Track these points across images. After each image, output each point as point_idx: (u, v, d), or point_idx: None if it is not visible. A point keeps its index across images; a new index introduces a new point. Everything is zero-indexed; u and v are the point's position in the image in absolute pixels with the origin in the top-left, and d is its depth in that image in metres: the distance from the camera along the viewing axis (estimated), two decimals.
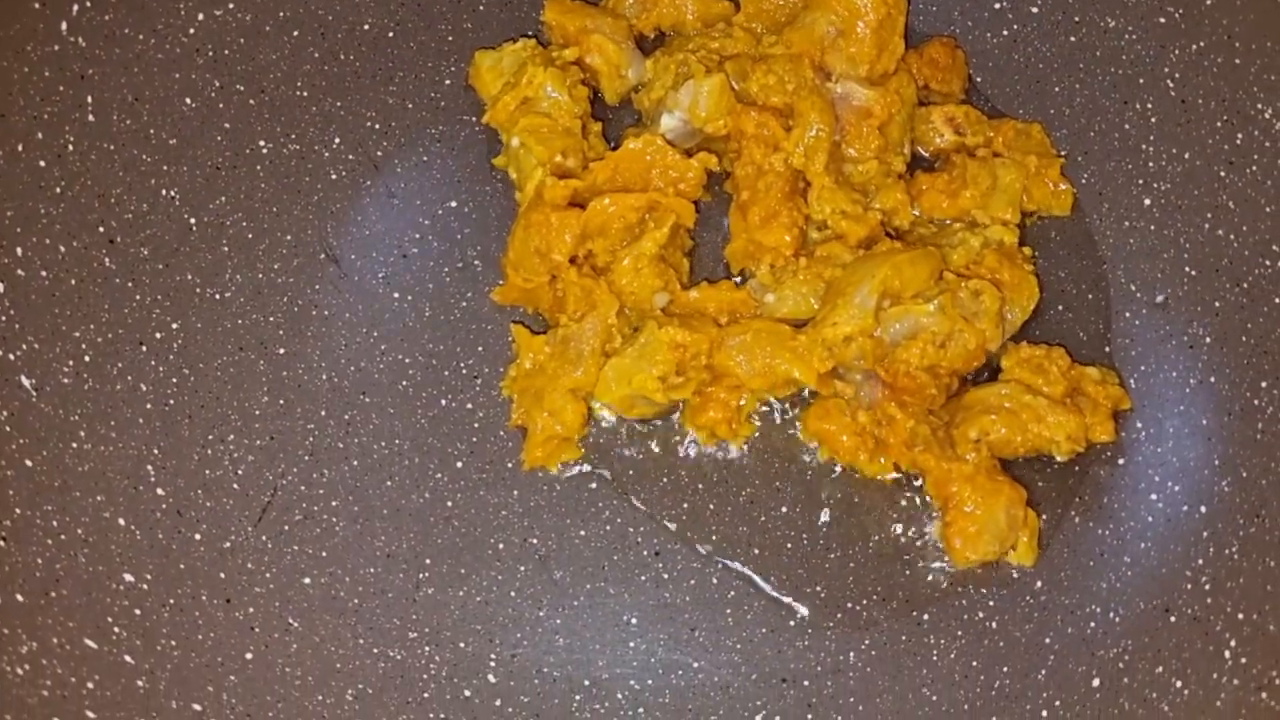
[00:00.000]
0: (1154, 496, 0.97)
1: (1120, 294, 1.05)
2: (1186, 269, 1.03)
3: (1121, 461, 0.99)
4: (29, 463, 0.92)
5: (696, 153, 1.04)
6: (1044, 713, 0.91)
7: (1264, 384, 0.97)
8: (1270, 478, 0.93)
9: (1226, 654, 0.88)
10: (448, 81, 1.13)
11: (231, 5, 1.10)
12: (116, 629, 0.89)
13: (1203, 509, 0.95)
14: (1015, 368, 0.99)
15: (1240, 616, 0.89)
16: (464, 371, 1.04)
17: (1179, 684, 0.88)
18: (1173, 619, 0.92)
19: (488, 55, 1.09)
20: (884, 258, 0.96)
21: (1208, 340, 1.00)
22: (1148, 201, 1.06)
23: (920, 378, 0.95)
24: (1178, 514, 0.96)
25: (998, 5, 1.13)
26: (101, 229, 1.02)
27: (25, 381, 0.94)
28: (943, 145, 1.08)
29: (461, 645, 0.96)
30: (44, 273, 0.98)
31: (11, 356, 0.94)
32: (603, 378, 0.97)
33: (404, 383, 1.04)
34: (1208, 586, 0.92)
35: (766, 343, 0.97)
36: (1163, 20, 1.06)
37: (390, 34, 1.14)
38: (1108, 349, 1.04)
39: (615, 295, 0.99)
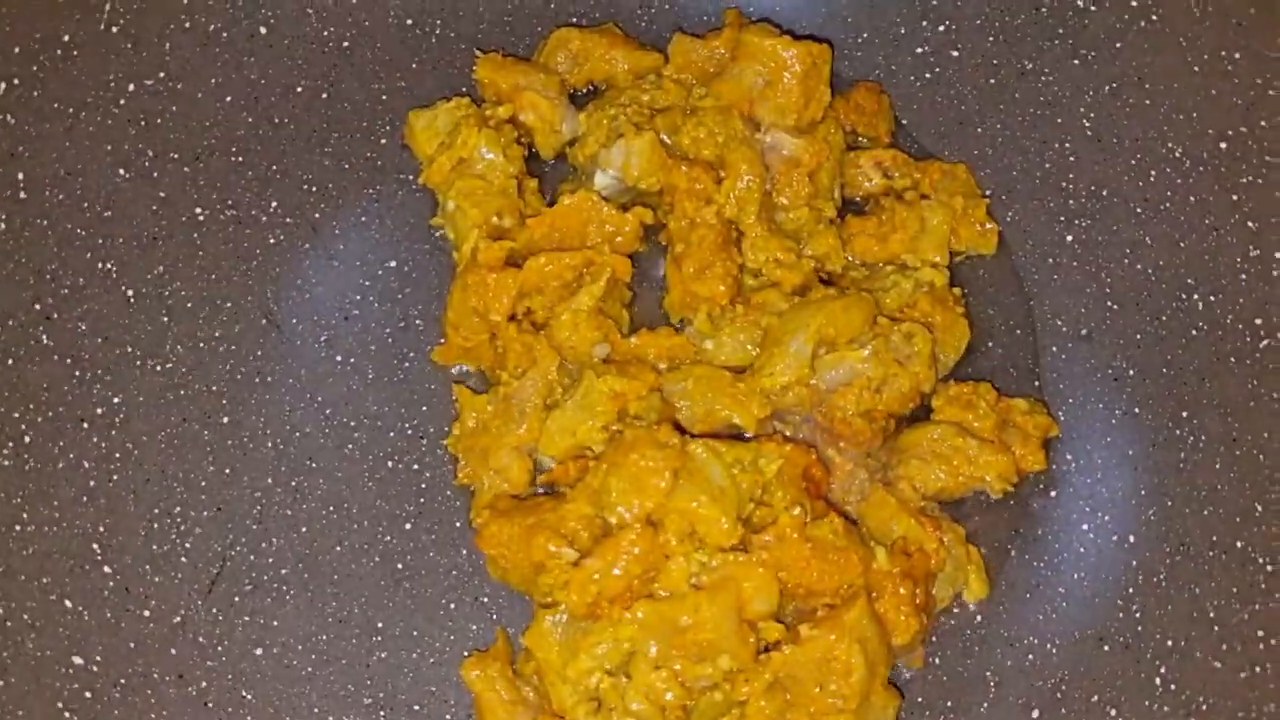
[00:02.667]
0: (1085, 527, 1.01)
1: (1046, 328, 1.08)
2: (1109, 303, 1.07)
3: (1054, 494, 1.03)
4: None
5: (631, 206, 1.06)
6: None
7: (1184, 414, 1.00)
8: (1193, 506, 0.97)
9: (1158, 681, 0.91)
10: (384, 141, 1.14)
11: (162, 74, 1.10)
12: (67, 713, 0.89)
13: (1131, 539, 0.99)
14: (945, 406, 1.02)
15: (1169, 644, 0.92)
16: (409, 432, 1.05)
17: (1113, 712, 0.91)
18: (1106, 648, 0.95)
19: (421, 115, 1.10)
20: (818, 306, 0.99)
21: (1131, 373, 1.04)
22: (1069, 238, 1.09)
23: (856, 423, 0.97)
24: (1108, 544, 0.99)
25: (919, 50, 1.16)
26: (38, 306, 1.02)
27: None
28: (872, 189, 1.11)
29: (417, 708, 0.97)
30: None
31: None
32: (546, 431, 0.98)
33: (349, 446, 1.04)
34: (1138, 615, 0.95)
35: (707, 388, 0.99)
36: (1077, 63, 1.09)
37: (324, 95, 1.15)
38: (1037, 383, 1.07)
39: (555, 349, 1.01)
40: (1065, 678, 0.95)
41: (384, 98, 1.15)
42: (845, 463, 1.00)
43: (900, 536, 0.95)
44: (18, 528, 0.95)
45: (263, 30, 1.14)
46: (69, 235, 1.05)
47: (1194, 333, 1.02)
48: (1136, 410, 1.03)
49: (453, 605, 1.00)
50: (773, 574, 0.89)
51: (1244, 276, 0.99)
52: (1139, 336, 1.05)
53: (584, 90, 1.15)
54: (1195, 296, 1.02)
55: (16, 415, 0.98)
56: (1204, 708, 0.88)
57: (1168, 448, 1.00)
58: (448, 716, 0.96)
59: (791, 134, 1.06)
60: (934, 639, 0.99)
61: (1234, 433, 0.97)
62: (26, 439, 0.98)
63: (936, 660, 0.98)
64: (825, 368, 0.98)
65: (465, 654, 0.98)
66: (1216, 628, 0.91)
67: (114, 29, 1.07)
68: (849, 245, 1.08)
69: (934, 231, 1.07)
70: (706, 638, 0.87)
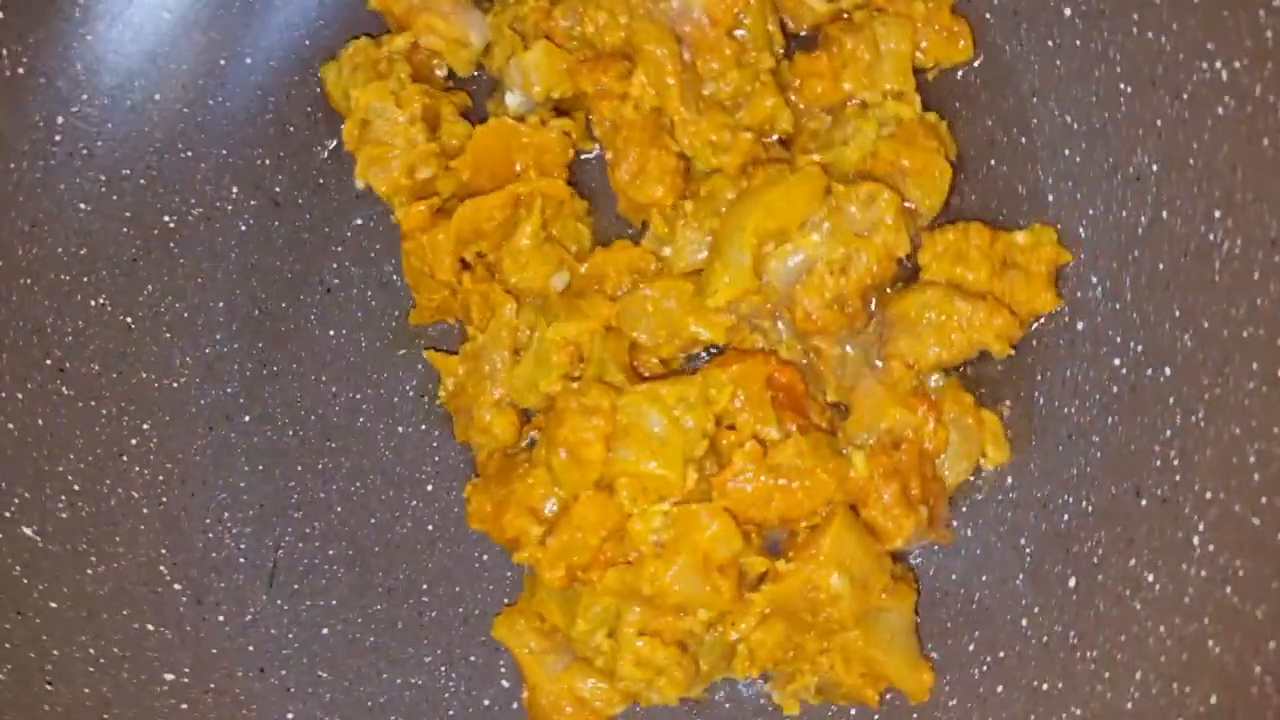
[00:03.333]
0: (1117, 361, 0.89)
1: (1055, 128, 0.93)
2: (1121, 85, 0.89)
3: (1081, 325, 0.91)
4: (54, 604, 1.02)
5: (555, 115, 0.97)
6: (1023, 621, 0.89)
7: (1217, 214, 0.84)
8: (1231, 326, 0.83)
9: (1195, 541, 0.82)
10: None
11: (84, 96, 1.09)
12: None
13: (1167, 370, 0.87)
14: (933, 263, 0.91)
15: (1208, 496, 0.82)
16: (411, 395, 1.06)
17: (1150, 578, 0.83)
18: (1143, 502, 0.86)
19: (330, 68, 1.04)
20: (754, 199, 0.88)
21: (1154, 168, 0.88)
22: (1068, 12, 0.91)
23: (825, 315, 0.89)
24: (1142, 379, 0.88)
25: None
26: (49, 361, 1.08)
27: (27, 531, 1.04)
28: (820, 12, 0.96)
29: (472, 659, 1.02)
30: (10, 425, 1.05)
31: (8, 514, 1.03)
32: (514, 389, 0.96)
33: (360, 420, 1.07)
34: (1176, 462, 0.85)
35: (669, 311, 0.93)
36: None
37: (253, 63, 1.10)
38: (1050, 197, 0.93)
39: (511, 291, 0.96)
40: (1102, 540, 0.87)
41: (306, 43, 1.09)
42: (832, 347, 0.92)
43: (886, 429, 0.88)
44: (89, 571, 1.04)
45: (167, 14, 1.09)
46: (55, 284, 1.09)
47: (1220, 111, 0.84)
48: (1164, 215, 0.88)
49: (485, 555, 1.03)
50: (727, 518, 0.85)
51: (1269, 35, 0.80)
52: (1159, 123, 0.88)
53: None
54: (1218, 64, 0.83)
55: (61, 468, 1.06)
56: (1240, 574, 0.78)
57: (1201, 257, 0.85)
58: (502, 663, 1.01)
59: None
60: (963, 509, 0.93)
61: (1273, 233, 0.81)
62: (76, 487, 1.06)
63: (968, 532, 0.92)
64: (777, 262, 0.89)
65: (505, 600, 1.02)
66: (1256, 475, 0.79)
67: (19, 70, 1.06)
68: (799, 92, 0.94)
69: (892, 55, 0.92)
70: (675, 599, 0.86)
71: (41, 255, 1.08)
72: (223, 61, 1.10)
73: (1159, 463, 0.86)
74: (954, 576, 0.92)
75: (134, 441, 1.09)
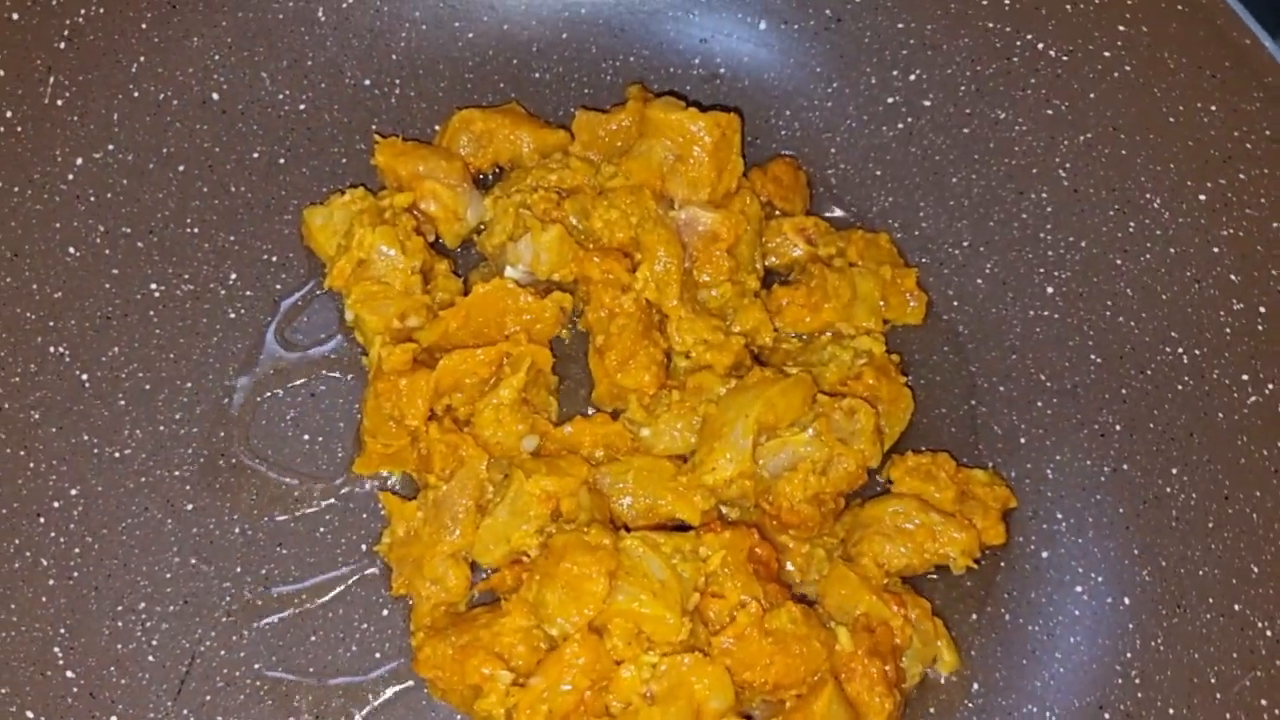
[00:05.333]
0: (1079, 589, 0.99)
1: (1031, 383, 1.07)
2: (1092, 356, 1.05)
3: (1045, 554, 1.01)
4: None
5: (550, 291, 1.02)
6: None
7: (1174, 470, 0.99)
8: (1188, 566, 0.96)
9: None
10: None
11: (111, 146, 1.06)
12: None
13: (1126, 600, 0.97)
14: (904, 478, 1.00)
15: (1171, 711, 0.91)
16: (382, 511, 1.01)
17: None
18: (1107, 716, 0.93)
19: (317, 213, 1.05)
20: (756, 392, 0.95)
21: (1118, 428, 1.03)
22: (1050, 290, 1.08)
23: (804, 510, 0.95)
24: (1103, 605, 0.98)
25: (891, 100, 1.14)
26: None
27: None
28: (797, 256, 1.09)
29: None
30: None
31: None
32: (479, 541, 0.94)
33: (320, 529, 1.00)
34: (1138, 681, 0.94)
35: (648, 483, 0.96)
36: (1050, 112, 1.08)
37: (281, 160, 1.11)
38: (1022, 440, 1.05)
39: (482, 447, 0.97)
40: None
41: (344, 162, 1.12)
42: (801, 544, 0.98)
43: (862, 614, 0.93)
44: None
45: (215, 96, 1.10)
46: (17, 319, 1.00)
47: (1180, 387, 1.00)
48: (1125, 466, 1.01)
49: (424, 702, 0.96)
50: (722, 670, 0.86)
51: (1228, 331, 0.98)
52: (1124, 391, 1.03)
53: (490, 172, 1.11)
54: (1180, 350, 1.01)
55: None
56: None
57: (1159, 505, 0.99)
58: None
59: (706, 208, 1.03)
60: (930, 710, 0.97)
61: (1225, 490, 0.96)
62: None
63: None
64: (768, 454, 0.95)
65: None
66: (1218, 695, 0.89)
67: (59, 102, 1.03)
68: (779, 316, 1.05)
69: (866, 298, 1.06)
70: None
71: (14, 287, 1.01)
72: (255, 154, 1.11)
73: (1120, 680, 0.94)
74: None
75: (57, 504, 0.98)
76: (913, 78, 1.13)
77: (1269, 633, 0.90)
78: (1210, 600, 0.93)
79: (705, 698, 0.86)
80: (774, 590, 0.92)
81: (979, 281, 1.10)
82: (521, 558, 0.94)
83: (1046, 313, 1.08)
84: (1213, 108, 0.99)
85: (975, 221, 1.11)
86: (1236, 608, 0.92)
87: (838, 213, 1.14)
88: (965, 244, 1.11)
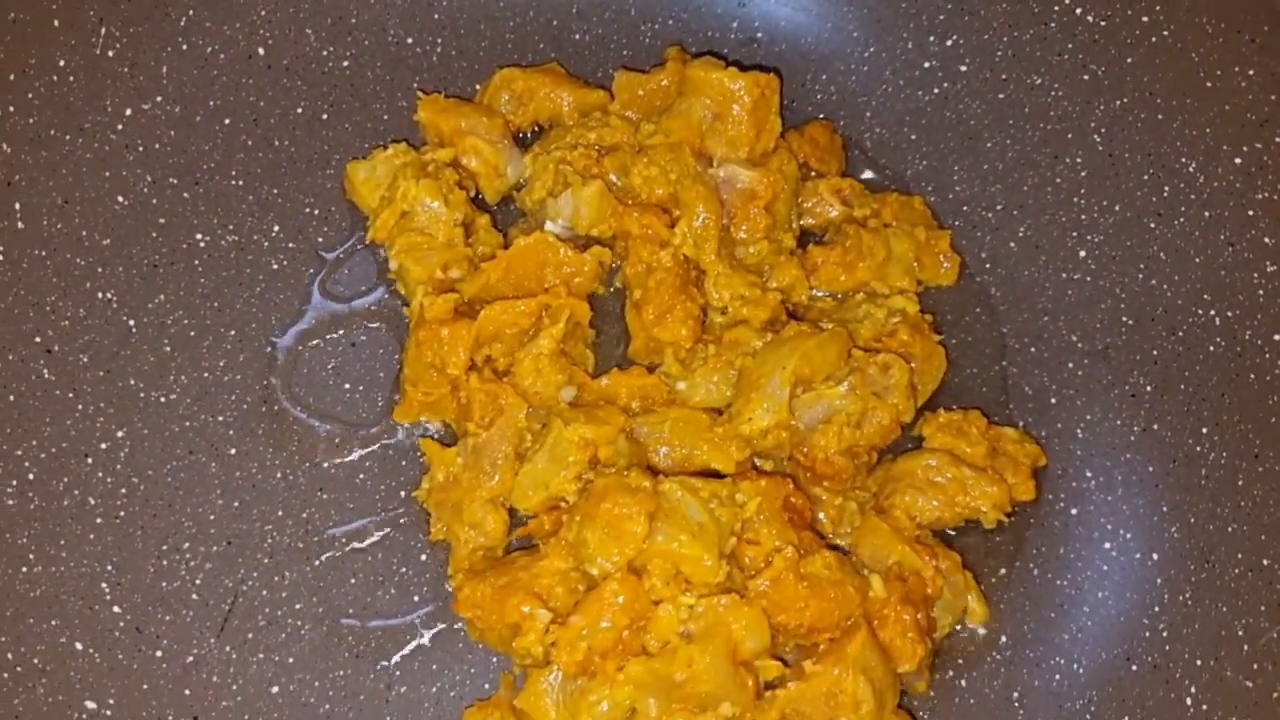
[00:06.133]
0: (1108, 545, 1.00)
1: (1062, 344, 1.08)
2: (1124, 318, 1.06)
3: (1074, 511, 1.02)
4: None
5: (588, 246, 1.04)
6: None
7: (1204, 430, 1.00)
8: (1216, 523, 0.97)
9: (1188, 701, 0.91)
10: None
11: (159, 98, 1.08)
12: None
13: (1155, 556, 0.98)
14: (936, 434, 1.01)
15: (1198, 663, 0.92)
16: (421, 459, 1.03)
17: None
18: (1134, 668, 0.95)
19: (360, 166, 1.07)
20: (793, 345, 0.97)
21: (1148, 389, 1.04)
22: (1083, 253, 1.09)
23: (838, 461, 0.96)
24: (1131, 561, 0.99)
25: (927, 64, 1.15)
26: (38, 339, 0.99)
27: None
28: (833, 218, 1.10)
29: None
30: None
31: None
32: (518, 486, 0.95)
33: (360, 476, 1.02)
34: (1165, 634, 0.95)
35: (684, 433, 0.97)
36: (1086, 78, 1.09)
37: (324, 116, 1.13)
38: (1053, 400, 1.06)
39: (521, 396, 0.98)
40: (1094, 699, 0.95)
41: (385, 118, 1.13)
42: (834, 497, 0.99)
43: (895, 563, 0.94)
44: (24, 569, 0.92)
45: (260, 51, 1.11)
46: (67, 265, 1.02)
47: (1211, 348, 1.01)
48: (1155, 426, 1.02)
49: (462, 645, 0.97)
50: (759, 611, 0.88)
51: (1261, 293, 0.99)
52: (1156, 352, 1.04)
53: (530, 131, 1.12)
54: (1212, 312, 1.02)
55: (20, 452, 0.95)
56: None
57: (1189, 464, 1.00)
58: None
59: (745, 166, 1.04)
60: (959, 660, 0.98)
61: (1255, 449, 0.97)
62: (30, 476, 0.95)
63: (963, 683, 0.97)
64: (803, 407, 0.96)
65: (485, 687, 0.96)
66: (1246, 647, 0.91)
67: (110, 53, 1.05)
68: (814, 275, 1.06)
69: (900, 258, 1.07)
70: (704, 688, 0.86)
71: (65, 233, 1.03)
72: (299, 109, 1.12)
73: (1148, 634, 0.95)
74: None
75: (104, 446, 0.99)
76: (949, 43, 1.14)
77: None
78: (1239, 555, 0.94)
79: (741, 638, 0.87)
80: (808, 538, 0.94)
81: (1012, 244, 1.11)
82: (559, 504, 0.96)
83: (1079, 275, 1.09)
84: (1250, 72, 1.00)
85: (1009, 185, 1.12)
86: (1265, 562, 0.93)
87: (873, 175, 1.15)
88: (999, 207, 1.12)
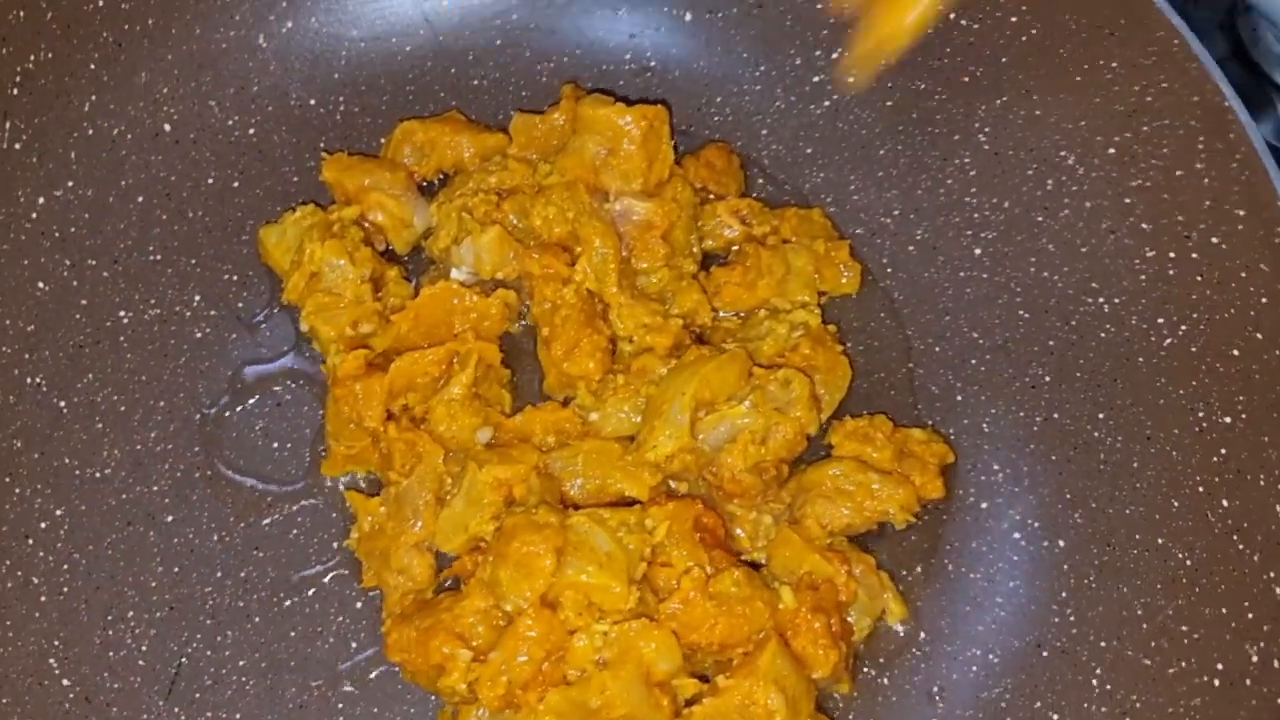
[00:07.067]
0: (1017, 535, 1.03)
1: (965, 342, 1.11)
2: (1020, 312, 1.09)
3: (984, 505, 1.05)
4: None
5: (495, 289, 1.07)
6: None
7: (1100, 415, 1.03)
8: (1115, 506, 1.00)
9: (1094, 683, 0.94)
10: None
11: (70, 183, 1.12)
12: None
13: (1061, 543, 1.01)
14: (844, 441, 1.04)
15: (1102, 645, 0.95)
16: (350, 509, 1.06)
17: (1055, 717, 0.94)
18: (1044, 653, 0.98)
19: (271, 231, 1.10)
20: (692, 370, 1.00)
21: (1047, 379, 1.07)
22: (978, 251, 1.12)
23: (745, 479, 0.99)
24: (1039, 550, 1.02)
25: (816, 79, 1.18)
26: None
27: None
28: (732, 238, 1.13)
29: None
30: None
31: None
32: (440, 530, 0.99)
33: (294, 531, 1.06)
34: (1072, 618, 0.98)
35: (597, 464, 1.01)
36: (966, 79, 1.12)
37: (235, 184, 1.16)
38: (959, 397, 1.09)
39: (438, 442, 1.02)
40: (1009, 686, 0.98)
41: (295, 180, 1.17)
42: (748, 512, 1.02)
43: (806, 572, 0.97)
44: None
45: (167, 128, 1.15)
46: None
47: (1102, 334, 1.04)
48: (1055, 415, 1.05)
49: (400, 685, 1.01)
50: (668, 633, 0.91)
51: (1143, 277, 1.02)
52: (1052, 343, 1.07)
53: (436, 179, 1.15)
54: (1100, 299, 1.05)
55: None
56: (1137, 706, 0.90)
57: (1088, 450, 1.03)
58: None
59: (639, 198, 1.07)
60: (880, 660, 1.01)
61: (1147, 430, 1.00)
62: None
63: (885, 681, 1.00)
64: (707, 428, 1.00)
65: None
66: (1145, 625, 0.94)
67: (16, 145, 1.08)
68: (717, 297, 1.10)
69: (799, 272, 1.10)
70: (619, 712, 0.89)
71: None
72: (210, 180, 1.16)
73: (1057, 620, 0.98)
74: None
75: (43, 525, 1.03)
76: (835, 55, 1.17)
77: (1189, 562, 0.94)
78: (1136, 536, 0.97)
79: (653, 660, 0.91)
80: (719, 556, 0.97)
81: (910, 248, 1.14)
82: (480, 543, 0.99)
83: (975, 273, 1.12)
84: (1114, 64, 1.03)
85: (904, 190, 1.15)
86: (1160, 541, 0.96)
87: (773, 191, 1.18)
88: (896, 212, 1.15)
